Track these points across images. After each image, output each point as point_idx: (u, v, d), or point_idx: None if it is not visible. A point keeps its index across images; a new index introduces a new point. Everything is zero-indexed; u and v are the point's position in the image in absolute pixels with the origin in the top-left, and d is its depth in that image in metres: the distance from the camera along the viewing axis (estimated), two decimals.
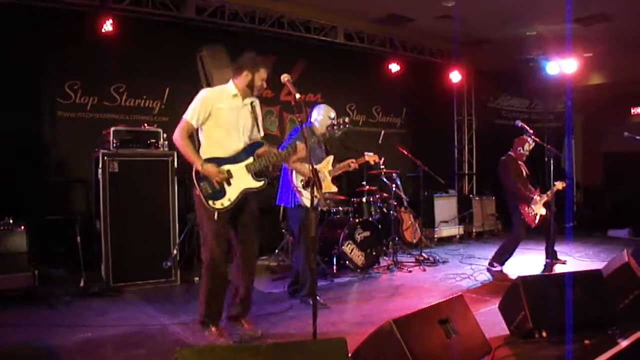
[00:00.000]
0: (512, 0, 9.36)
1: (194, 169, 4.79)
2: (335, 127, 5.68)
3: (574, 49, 11.48)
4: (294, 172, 6.19)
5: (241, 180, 4.84)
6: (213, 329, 4.92)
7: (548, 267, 8.11)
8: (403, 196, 9.65)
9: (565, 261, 8.46)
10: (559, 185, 8.02)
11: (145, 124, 7.64)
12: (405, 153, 9.32)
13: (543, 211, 8.01)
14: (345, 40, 10.63)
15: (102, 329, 5.39)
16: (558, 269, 8.10)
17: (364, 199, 8.72)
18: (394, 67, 11.51)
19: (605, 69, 13.30)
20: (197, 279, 7.38)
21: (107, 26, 8.03)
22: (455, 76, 12.38)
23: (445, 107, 13.31)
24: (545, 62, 12.03)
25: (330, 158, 6.45)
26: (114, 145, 7.07)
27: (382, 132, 9.11)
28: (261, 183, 4.91)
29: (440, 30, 11.16)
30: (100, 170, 7.02)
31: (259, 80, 4.97)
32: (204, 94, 4.90)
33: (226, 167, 4.81)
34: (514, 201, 8.07)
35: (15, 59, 7.73)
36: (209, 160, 4.78)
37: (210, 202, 4.75)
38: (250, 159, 4.90)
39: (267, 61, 5.13)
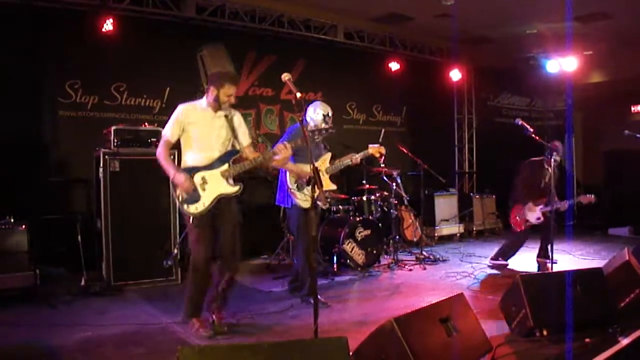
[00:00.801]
0: None
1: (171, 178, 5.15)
2: (316, 133, 5.62)
3: (574, 47, 11.48)
4: (287, 173, 6.24)
5: (216, 186, 5.15)
6: (194, 320, 5.25)
7: (541, 266, 8.09)
8: (403, 195, 9.64)
9: (556, 260, 8.38)
10: (584, 199, 7.86)
11: (146, 123, 7.65)
12: (406, 152, 9.32)
13: (533, 219, 7.94)
14: (345, 39, 10.62)
15: (102, 328, 5.41)
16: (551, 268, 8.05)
17: (364, 198, 8.71)
18: (394, 66, 11.51)
19: (606, 67, 13.29)
20: None
21: (108, 25, 8.02)
22: (455, 75, 12.37)
23: (445, 105, 13.30)
24: (546, 60, 12.04)
25: (328, 155, 6.44)
26: (115, 144, 7.08)
27: (383, 130, 9.09)
28: (236, 188, 5.22)
29: (440, 28, 11.16)
30: (101, 170, 7.03)
31: (224, 96, 5.22)
32: (177, 111, 5.24)
33: (201, 174, 5.15)
34: (512, 203, 8.09)
35: (15, 58, 7.72)
36: (186, 169, 5.16)
37: (185, 207, 5.11)
38: (225, 166, 5.20)
39: (234, 77, 5.53)
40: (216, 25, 9.22)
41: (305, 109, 6.40)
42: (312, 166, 4.23)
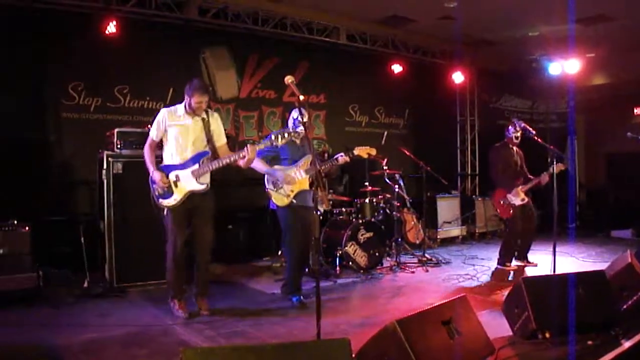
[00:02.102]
0: (514, 1, 9.37)
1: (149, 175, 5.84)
2: (276, 137, 5.66)
3: (576, 49, 11.49)
4: (265, 176, 6.43)
5: (187, 183, 5.78)
6: (175, 300, 5.92)
7: (519, 270, 8.02)
8: (406, 197, 9.66)
9: (536, 264, 8.39)
10: (555, 168, 7.42)
11: (149, 125, 7.64)
12: (408, 154, 9.34)
13: (518, 201, 7.87)
14: (347, 41, 10.62)
15: (105, 330, 5.41)
16: (528, 271, 8.04)
17: (367, 200, 8.71)
18: (397, 68, 11.50)
19: (608, 70, 13.30)
20: None
21: (111, 28, 8.04)
22: (457, 77, 12.36)
23: (447, 107, 13.30)
24: (548, 63, 12.03)
25: (309, 158, 6.45)
26: (118, 146, 7.10)
27: (385, 133, 9.11)
28: (204, 186, 5.82)
29: (442, 31, 11.16)
30: (104, 171, 7.05)
31: (194, 104, 5.75)
32: (160, 114, 5.90)
33: (175, 172, 5.79)
34: (493, 191, 8.14)
35: (19, 59, 7.76)
36: (164, 166, 5.86)
37: (160, 201, 5.83)
38: (196, 166, 5.78)
39: (202, 87, 5.85)
40: (219, 27, 9.23)
41: (288, 116, 6.71)
42: (317, 169, 4.33)
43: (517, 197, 7.89)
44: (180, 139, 5.79)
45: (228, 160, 5.74)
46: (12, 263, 6.30)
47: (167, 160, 5.89)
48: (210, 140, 5.88)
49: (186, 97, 5.79)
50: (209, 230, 5.98)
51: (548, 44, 11.66)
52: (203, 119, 5.85)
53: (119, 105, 8.62)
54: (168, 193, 5.76)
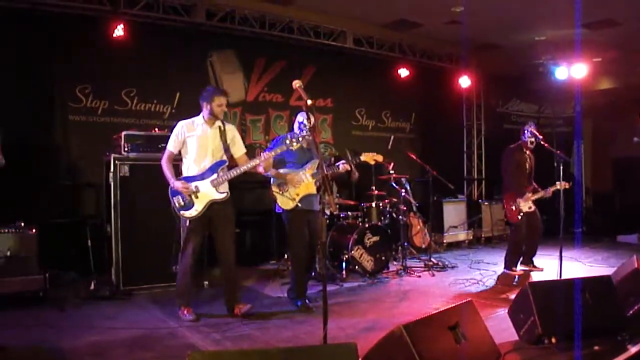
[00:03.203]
0: (520, 5, 9.37)
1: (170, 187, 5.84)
2: (291, 141, 5.84)
3: (583, 53, 11.47)
4: (272, 179, 6.44)
5: (207, 193, 5.84)
6: (182, 307, 5.91)
7: (524, 275, 8.09)
8: (412, 201, 9.65)
9: (542, 268, 8.42)
10: (560, 185, 7.70)
11: (156, 129, 7.69)
12: (415, 158, 9.33)
13: (526, 208, 7.96)
14: (354, 45, 10.63)
15: (111, 332, 5.43)
16: (534, 276, 8.07)
17: (373, 204, 8.72)
18: (403, 72, 11.50)
19: (615, 74, 13.28)
20: (206, 282, 7.44)
21: (119, 31, 8.07)
22: (464, 81, 12.35)
23: (454, 112, 13.28)
24: (555, 67, 12.02)
25: (316, 162, 6.46)
26: (125, 149, 7.12)
27: (392, 137, 9.11)
28: (223, 195, 5.89)
29: (449, 35, 11.18)
30: (111, 174, 7.08)
31: (216, 107, 5.88)
32: (178, 126, 5.97)
33: (194, 183, 5.83)
34: (503, 193, 8.19)
35: (27, 62, 7.80)
36: (183, 178, 5.86)
37: (182, 212, 5.84)
38: (214, 176, 5.86)
39: (220, 90, 6.24)
40: (226, 31, 9.24)
41: (294, 120, 6.78)
42: (323, 173, 4.46)
43: (526, 204, 7.96)
44: (200, 149, 5.87)
45: (246, 168, 5.88)
46: (18, 265, 6.32)
47: (186, 171, 5.95)
48: (227, 149, 5.98)
49: (204, 105, 5.90)
50: (230, 237, 6.06)
51: (555, 49, 11.66)
52: (219, 128, 5.96)
53: (126, 108, 8.64)
54: (189, 204, 5.80)
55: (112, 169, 7.06)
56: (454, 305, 4.47)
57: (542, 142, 7.85)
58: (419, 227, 10.22)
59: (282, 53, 10.18)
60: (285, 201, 6.35)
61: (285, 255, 8.51)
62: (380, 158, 6.86)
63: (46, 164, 7.96)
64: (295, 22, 9.76)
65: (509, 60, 12.68)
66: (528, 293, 4.87)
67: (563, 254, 6.98)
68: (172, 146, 5.94)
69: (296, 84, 4.82)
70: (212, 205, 5.83)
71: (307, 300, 6.36)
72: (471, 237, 11.65)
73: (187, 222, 5.88)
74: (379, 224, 8.45)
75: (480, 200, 12.34)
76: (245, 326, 5.65)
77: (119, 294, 6.88)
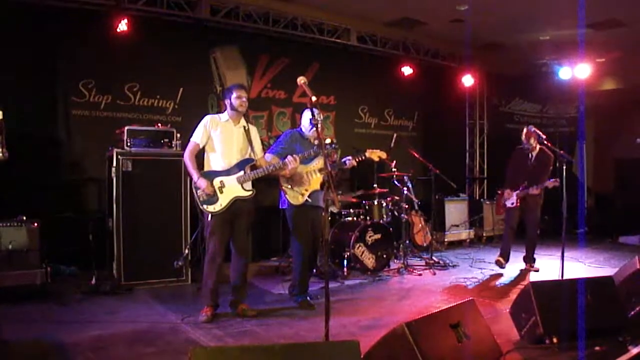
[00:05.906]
0: (525, 5, 9.36)
1: (193, 181, 5.81)
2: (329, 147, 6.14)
3: (586, 54, 11.47)
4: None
5: (232, 189, 5.80)
6: (205, 307, 5.81)
7: (523, 273, 8.28)
8: (414, 199, 9.64)
9: (538, 269, 8.49)
10: (549, 183, 8.02)
11: (159, 124, 7.70)
12: (417, 156, 9.32)
13: (508, 203, 8.42)
14: (358, 42, 10.62)
15: (113, 327, 5.44)
16: (532, 276, 8.15)
17: (375, 202, 8.71)
18: (407, 70, 11.47)
19: (618, 74, 13.27)
20: None
21: (122, 26, 8.05)
22: (467, 80, 12.34)
23: (457, 110, 13.29)
24: (558, 67, 12.03)
25: (322, 159, 6.44)
26: (128, 144, 7.12)
27: (395, 135, 9.09)
28: (249, 193, 5.89)
29: (453, 34, 11.17)
30: (113, 169, 7.08)
31: (236, 99, 5.89)
32: (205, 120, 5.92)
33: (220, 178, 5.79)
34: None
35: (30, 57, 7.79)
36: (208, 172, 5.85)
37: (205, 207, 5.77)
38: (241, 173, 5.84)
39: (239, 83, 6.28)
40: (230, 27, 9.24)
41: (300, 117, 6.82)
42: (327, 171, 4.49)
43: (509, 199, 8.41)
44: (225, 145, 5.85)
45: (273, 168, 5.92)
46: (20, 259, 6.34)
47: (212, 165, 5.90)
48: (253, 149, 6.00)
49: (226, 100, 5.94)
50: (249, 234, 6.11)
51: (559, 48, 11.65)
52: (244, 127, 5.99)
53: (129, 103, 8.63)
54: (212, 199, 5.74)
55: (114, 164, 7.07)
56: (456, 303, 4.48)
57: (545, 142, 7.86)
58: (420, 225, 10.21)
59: (285, 50, 10.17)
60: (295, 196, 6.29)
61: (288, 252, 8.51)
62: (384, 155, 6.83)
63: (48, 158, 7.96)
64: (299, 18, 9.75)
65: (513, 59, 12.67)
66: (530, 293, 4.88)
67: (565, 255, 6.99)
68: (198, 138, 5.84)
69: (301, 80, 4.84)
70: (237, 202, 5.79)
71: (308, 297, 6.37)
72: (472, 236, 11.64)
73: (209, 217, 5.79)
74: (381, 221, 8.44)
75: (482, 200, 12.32)
76: (247, 322, 5.66)
77: (120, 289, 6.89)
